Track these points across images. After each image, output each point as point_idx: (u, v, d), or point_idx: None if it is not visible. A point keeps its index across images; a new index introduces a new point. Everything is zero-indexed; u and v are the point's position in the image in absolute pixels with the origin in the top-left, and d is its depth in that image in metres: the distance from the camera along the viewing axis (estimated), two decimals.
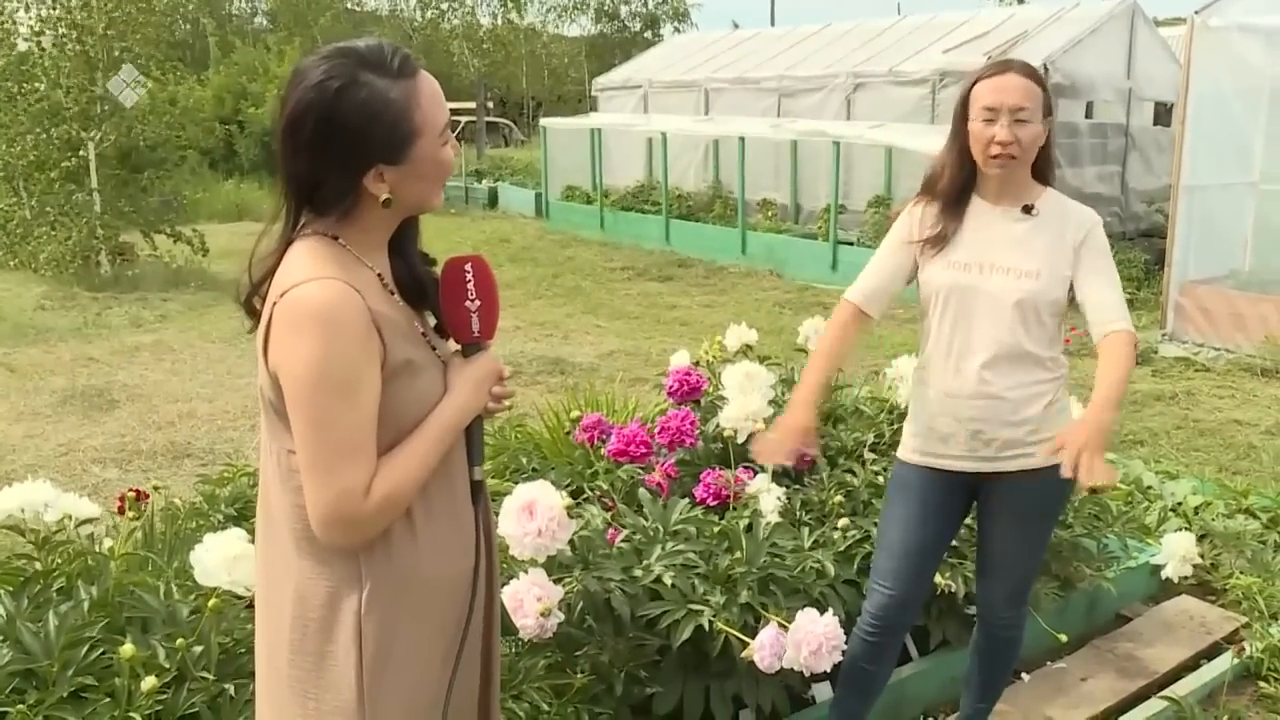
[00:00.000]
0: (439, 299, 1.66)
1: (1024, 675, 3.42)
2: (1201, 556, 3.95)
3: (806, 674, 2.56)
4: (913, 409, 2.69)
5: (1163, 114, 12.45)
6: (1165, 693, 3.26)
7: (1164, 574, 3.78)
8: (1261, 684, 3.37)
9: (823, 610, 2.56)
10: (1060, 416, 2.55)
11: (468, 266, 1.64)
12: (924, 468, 2.61)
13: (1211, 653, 3.60)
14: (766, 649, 2.47)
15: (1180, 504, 4.67)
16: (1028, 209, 2.51)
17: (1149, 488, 4.84)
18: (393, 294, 1.61)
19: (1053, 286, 2.47)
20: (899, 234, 2.63)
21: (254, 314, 1.59)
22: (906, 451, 2.67)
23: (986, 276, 2.49)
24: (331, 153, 1.50)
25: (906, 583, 2.64)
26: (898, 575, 2.63)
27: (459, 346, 1.67)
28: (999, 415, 2.50)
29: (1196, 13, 7.95)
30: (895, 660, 2.82)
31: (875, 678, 2.75)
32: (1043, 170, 2.54)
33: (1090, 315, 2.45)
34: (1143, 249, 10.95)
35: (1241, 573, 4.09)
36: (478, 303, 1.64)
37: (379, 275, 1.59)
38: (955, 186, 2.54)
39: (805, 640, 2.48)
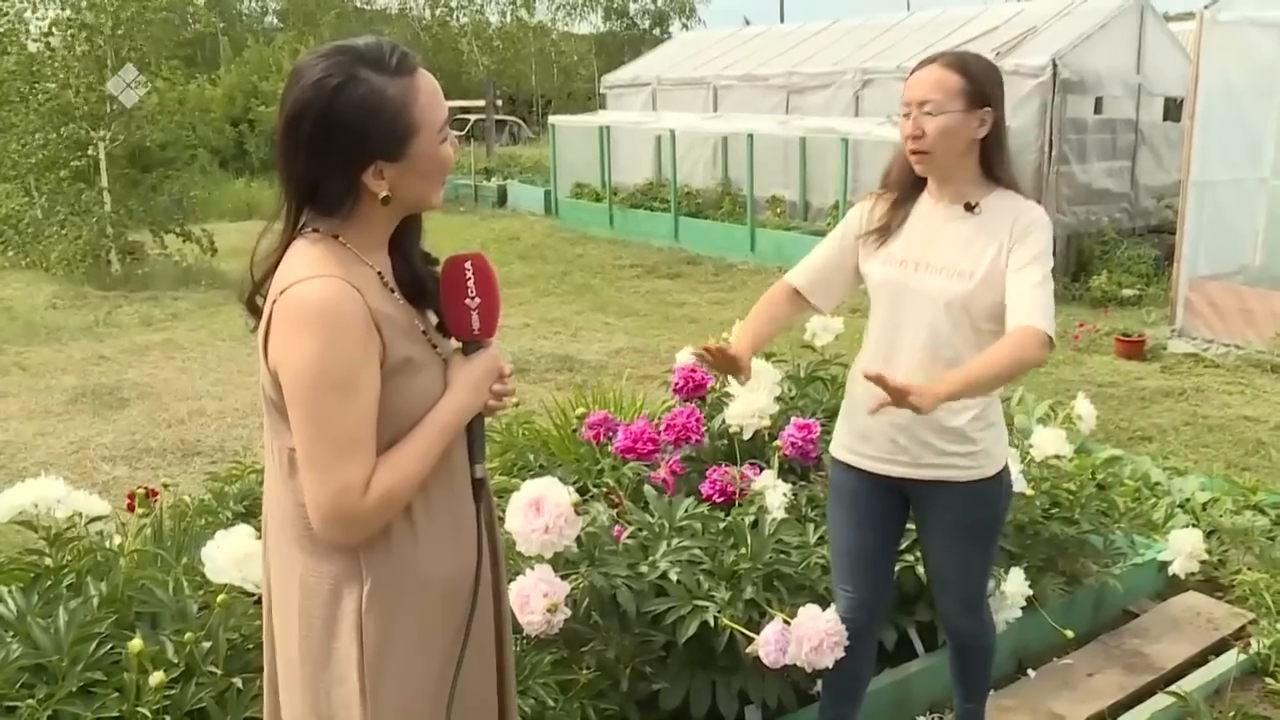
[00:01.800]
0: (440, 297, 1.66)
1: (1030, 671, 3.42)
2: (1209, 553, 3.94)
3: (809, 670, 2.57)
4: (844, 403, 2.65)
5: (1172, 109, 12.37)
6: (1172, 688, 3.25)
7: (1171, 570, 3.77)
8: (1269, 680, 3.36)
9: (826, 606, 2.57)
10: (988, 432, 2.45)
11: (468, 264, 1.65)
12: (852, 469, 2.57)
13: (1218, 649, 3.60)
14: (771, 645, 2.48)
15: (1188, 500, 4.66)
16: (969, 207, 2.39)
17: (1156, 484, 4.82)
18: (393, 292, 1.62)
19: (985, 290, 2.34)
20: (846, 225, 2.58)
21: (256, 312, 1.60)
22: (834, 445, 2.64)
23: (920, 274, 2.41)
24: (330, 150, 1.51)
25: (865, 585, 2.63)
26: (853, 577, 2.63)
27: (460, 345, 1.68)
28: (916, 419, 2.33)
29: (1206, 7, 7.91)
30: (874, 659, 2.82)
31: (856, 679, 2.74)
32: (990, 167, 2.40)
33: (1007, 315, 2.29)
34: (1152, 244, 10.91)
35: (1249, 569, 4.08)
36: (478, 300, 1.65)
37: (379, 273, 1.60)
38: (904, 180, 2.47)
39: (806, 636, 2.49)
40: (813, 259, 2.63)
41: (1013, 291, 2.30)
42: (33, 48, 11.20)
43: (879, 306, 2.51)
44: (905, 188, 2.49)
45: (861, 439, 2.53)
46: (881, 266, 2.47)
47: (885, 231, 2.47)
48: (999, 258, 2.35)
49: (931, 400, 2.04)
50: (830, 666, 2.53)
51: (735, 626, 2.63)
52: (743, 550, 2.86)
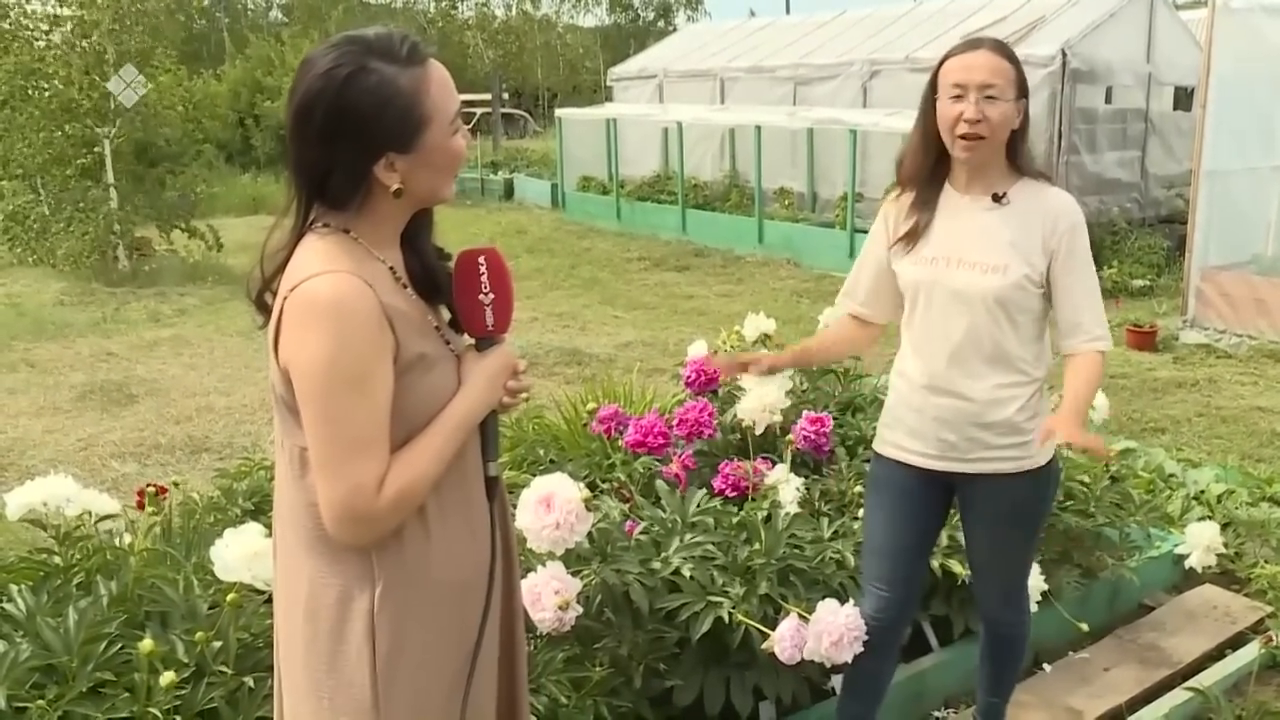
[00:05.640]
0: (453, 292, 1.64)
1: (1046, 665, 3.39)
2: (1225, 545, 3.91)
3: (828, 665, 2.55)
4: (887, 401, 2.63)
5: (1183, 98, 12.31)
6: (1190, 683, 3.22)
7: (1188, 563, 3.74)
8: None
9: (843, 601, 2.54)
10: (1037, 421, 2.43)
11: (481, 259, 1.62)
12: (897, 464, 2.54)
13: (1236, 643, 3.56)
14: (787, 640, 2.46)
15: (1203, 492, 4.63)
16: (997, 198, 2.36)
17: (1171, 476, 4.79)
18: (405, 287, 1.59)
19: (1021, 282, 2.33)
20: (875, 235, 2.57)
21: (265, 310, 1.57)
22: (879, 443, 2.62)
23: (953, 271, 2.38)
24: (341, 141, 1.48)
25: (900, 583, 2.60)
26: (891, 577, 2.59)
27: (473, 340, 1.65)
28: (964, 415, 2.40)
29: None
30: (898, 657, 2.79)
31: (880, 677, 2.71)
32: (1015, 156, 2.38)
33: (1061, 326, 2.36)
34: (1163, 235, 10.86)
35: (1266, 562, 4.04)
36: (491, 296, 1.62)
37: (391, 268, 1.57)
38: (921, 171, 2.43)
39: (826, 631, 2.46)
40: (857, 280, 2.62)
41: (1068, 305, 2.36)
42: (36, 45, 11.17)
43: (914, 305, 2.48)
44: (922, 181, 2.44)
45: (909, 435, 2.51)
46: (913, 266, 2.45)
47: (914, 234, 2.44)
48: (1034, 253, 2.34)
49: (1077, 419, 2.22)
50: (849, 661, 2.50)
51: (750, 622, 2.60)
52: (756, 545, 2.83)
